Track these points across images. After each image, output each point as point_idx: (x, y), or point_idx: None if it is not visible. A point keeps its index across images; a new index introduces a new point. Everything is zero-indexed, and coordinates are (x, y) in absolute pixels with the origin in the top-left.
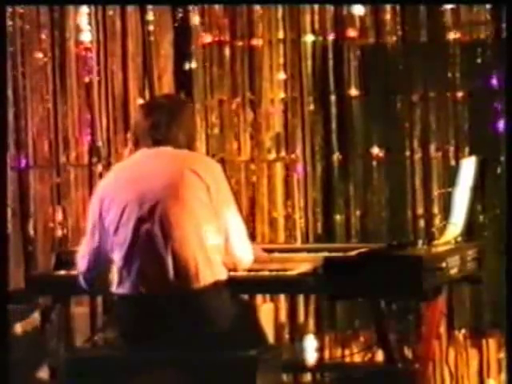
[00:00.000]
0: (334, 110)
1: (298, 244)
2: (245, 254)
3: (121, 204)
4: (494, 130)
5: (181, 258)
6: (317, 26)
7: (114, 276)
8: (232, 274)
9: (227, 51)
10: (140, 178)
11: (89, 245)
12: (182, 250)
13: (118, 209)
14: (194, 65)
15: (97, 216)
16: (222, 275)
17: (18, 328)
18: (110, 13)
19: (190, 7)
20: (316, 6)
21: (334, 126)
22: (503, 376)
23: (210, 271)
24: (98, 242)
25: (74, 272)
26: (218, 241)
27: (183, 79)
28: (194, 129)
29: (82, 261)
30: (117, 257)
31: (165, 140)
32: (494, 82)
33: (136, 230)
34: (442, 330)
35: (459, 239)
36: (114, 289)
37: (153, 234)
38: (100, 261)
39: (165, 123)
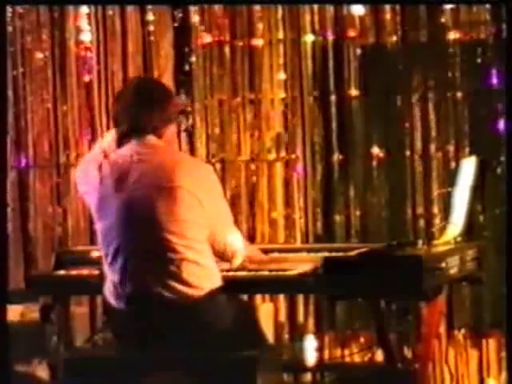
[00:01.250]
0: (333, 110)
1: (298, 244)
2: (237, 242)
3: (109, 208)
4: (493, 130)
5: (175, 266)
6: (317, 26)
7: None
8: (232, 274)
9: (227, 51)
10: (129, 184)
11: None
12: (177, 258)
13: (106, 213)
14: (194, 65)
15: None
16: (218, 281)
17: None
18: (110, 13)
19: (190, 7)
20: (316, 6)
21: (334, 125)
22: (503, 376)
23: (206, 278)
24: None
25: (73, 272)
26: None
27: (183, 79)
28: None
29: None
30: (106, 263)
31: (143, 127)
32: (494, 81)
33: (124, 239)
34: (442, 329)
35: (459, 239)
36: (108, 298)
37: (143, 245)
38: None
39: (141, 109)
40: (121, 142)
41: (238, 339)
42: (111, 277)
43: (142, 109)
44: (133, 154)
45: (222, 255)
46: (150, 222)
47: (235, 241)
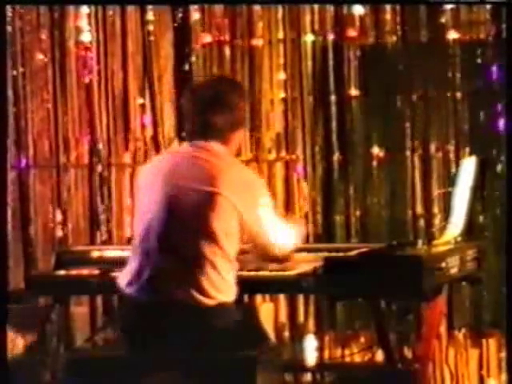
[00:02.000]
0: (333, 110)
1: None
2: (286, 240)
3: (153, 200)
4: (493, 130)
5: (198, 271)
6: (317, 26)
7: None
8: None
9: (227, 51)
10: (172, 186)
11: None
12: (202, 267)
13: (149, 203)
14: (194, 65)
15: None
16: (233, 295)
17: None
18: (110, 13)
19: (190, 7)
20: (316, 6)
21: (334, 125)
22: (503, 376)
23: (223, 290)
24: None
25: (73, 272)
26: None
27: (183, 79)
28: (241, 116)
29: None
30: (133, 255)
31: (207, 132)
32: (494, 81)
33: (159, 236)
34: (442, 329)
35: (459, 239)
36: (123, 286)
37: (174, 244)
38: None
39: (210, 111)
40: (185, 139)
41: (242, 344)
42: (135, 265)
43: (208, 112)
44: (188, 153)
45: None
46: (187, 224)
47: (283, 246)
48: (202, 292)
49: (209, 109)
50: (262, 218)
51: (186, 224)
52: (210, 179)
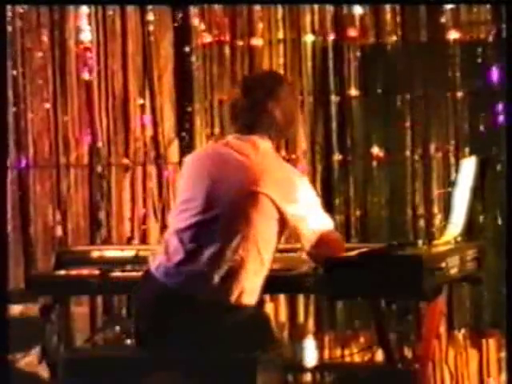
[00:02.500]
0: (333, 110)
1: (299, 244)
2: (328, 223)
3: (191, 195)
4: (493, 130)
5: (228, 271)
6: (317, 26)
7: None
8: None
9: (227, 51)
10: (216, 177)
11: None
12: (234, 267)
13: (188, 200)
14: (194, 65)
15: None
16: (254, 300)
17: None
18: (110, 13)
19: (191, 7)
20: (316, 6)
21: (334, 125)
22: (503, 376)
23: (247, 294)
24: None
25: (73, 272)
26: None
27: (183, 79)
28: (290, 113)
29: None
30: (168, 240)
31: (251, 126)
32: (494, 81)
33: (197, 227)
34: (442, 329)
35: (459, 239)
36: (153, 268)
37: (209, 239)
38: None
39: (253, 104)
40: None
41: (255, 344)
42: (169, 249)
43: (256, 108)
44: (232, 146)
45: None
46: (226, 219)
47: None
48: (228, 291)
49: (261, 103)
50: (305, 213)
51: (223, 222)
52: (253, 177)
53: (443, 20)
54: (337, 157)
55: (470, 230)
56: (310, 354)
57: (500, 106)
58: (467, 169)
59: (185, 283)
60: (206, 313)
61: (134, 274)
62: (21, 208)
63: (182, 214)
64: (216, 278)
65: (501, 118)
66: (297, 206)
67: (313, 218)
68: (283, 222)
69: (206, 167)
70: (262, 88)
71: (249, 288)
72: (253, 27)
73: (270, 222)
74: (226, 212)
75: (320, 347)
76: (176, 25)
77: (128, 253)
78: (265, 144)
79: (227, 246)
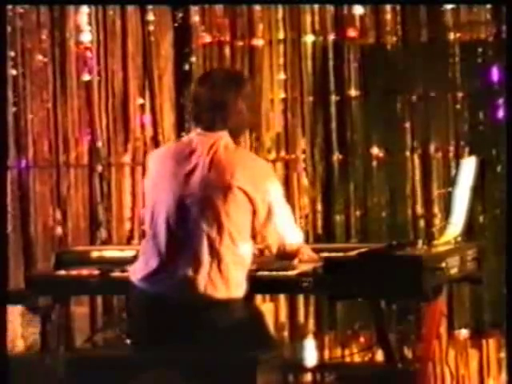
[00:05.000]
0: (333, 110)
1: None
2: (298, 237)
3: (160, 197)
4: (493, 130)
5: (212, 267)
6: (317, 26)
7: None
8: None
9: (227, 51)
10: (184, 175)
11: None
12: (212, 259)
13: (157, 202)
14: (194, 65)
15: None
16: (241, 292)
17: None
18: (110, 13)
19: (191, 7)
20: (316, 6)
21: (334, 125)
22: (503, 376)
23: (232, 286)
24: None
25: (73, 272)
26: (248, 257)
27: (183, 79)
28: (253, 109)
29: None
30: (145, 247)
31: (220, 121)
32: (494, 81)
33: (171, 228)
34: (442, 329)
35: (459, 239)
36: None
37: (187, 237)
38: None
39: (222, 101)
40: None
41: (247, 345)
42: (145, 256)
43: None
44: (197, 142)
45: (281, 254)
46: (198, 215)
47: (294, 239)
48: (211, 287)
49: (227, 100)
50: (273, 212)
51: (196, 220)
52: (225, 171)
53: (443, 20)
54: (337, 157)
55: (470, 230)
56: (310, 354)
57: (500, 106)
58: (467, 169)
59: (166, 288)
60: (194, 314)
61: None
62: (21, 208)
63: (154, 217)
64: (197, 278)
65: (501, 118)
66: (270, 197)
67: (280, 220)
68: (256, 212)
69: (172, 167)
70: (227, 85)
71: (232, 281)
72: (253, 27)
73: (243, 213)
74: (199, 209)
75: (320, 347)
76: (176, 25)
77: (128, 253)
78: (229, 139)
79: (202, 243)
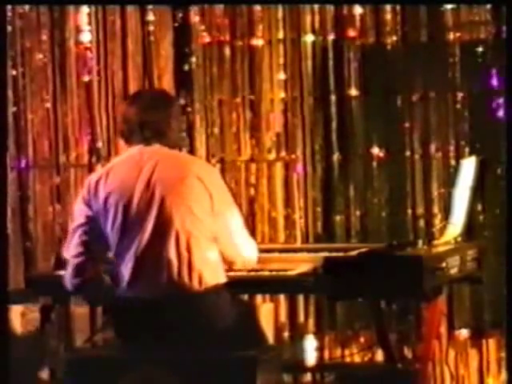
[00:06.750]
0: (333, 110)
1: (298, 244)
2: (252, 252)
3: (121, 204)
4: (493, 130)
5: (183, 262)
6: (317, 25)
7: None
8: (232, 274)
9: (227, 51)
10: (142, 180)
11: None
12: (187, 254)
13: (118, 210)
14: (194, 65)
15: (89, 213)
16: (223, 278)
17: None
18: (110, 13)
19: (191, 7)
20: (316, 6)
21: (334, 125)
22: (503, 376)
23: (211, 275)
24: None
25: None
26: (218, 246)
27: (183, 79)
28: (182, 126)
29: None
30: (118, 258)
31: (156, 137)
32: (494, 82)
33: (138, 231)
34: (442, 329)
35: (459, 239)
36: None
37: (156, 237)
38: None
39: (157, 120)
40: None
41: (238, 340)
42: (124, 265)
43: (150, 115)
44: (143, 153)
45: (229, 261)
46: (162, 215)
47: (252, 255)
48: (190, 278)
49: (164, 119)
50: (231, 224)
51: (162, 217)
52: (182, 167)
53: (443, 20)
54: (337, 157)
55: (470, 230)
56: (310, 354)
57: (500, 106)
58: (467, 169)
59: (145, 291)
60: (179, 311)
61: None
62: (21, 208)
63: (118, 225)
64: (172, 273)
65: (501, 118)
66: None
67: (239, 234)
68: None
69: (128, 177)
70: (163, 106)
71: (207, 266)
72: (253, 27)
73: (205, 205)
74: (163, 207)
75: (320, 347)
76: (176, 25)
77: None
78: (164, 148)
79: (169, 240)
